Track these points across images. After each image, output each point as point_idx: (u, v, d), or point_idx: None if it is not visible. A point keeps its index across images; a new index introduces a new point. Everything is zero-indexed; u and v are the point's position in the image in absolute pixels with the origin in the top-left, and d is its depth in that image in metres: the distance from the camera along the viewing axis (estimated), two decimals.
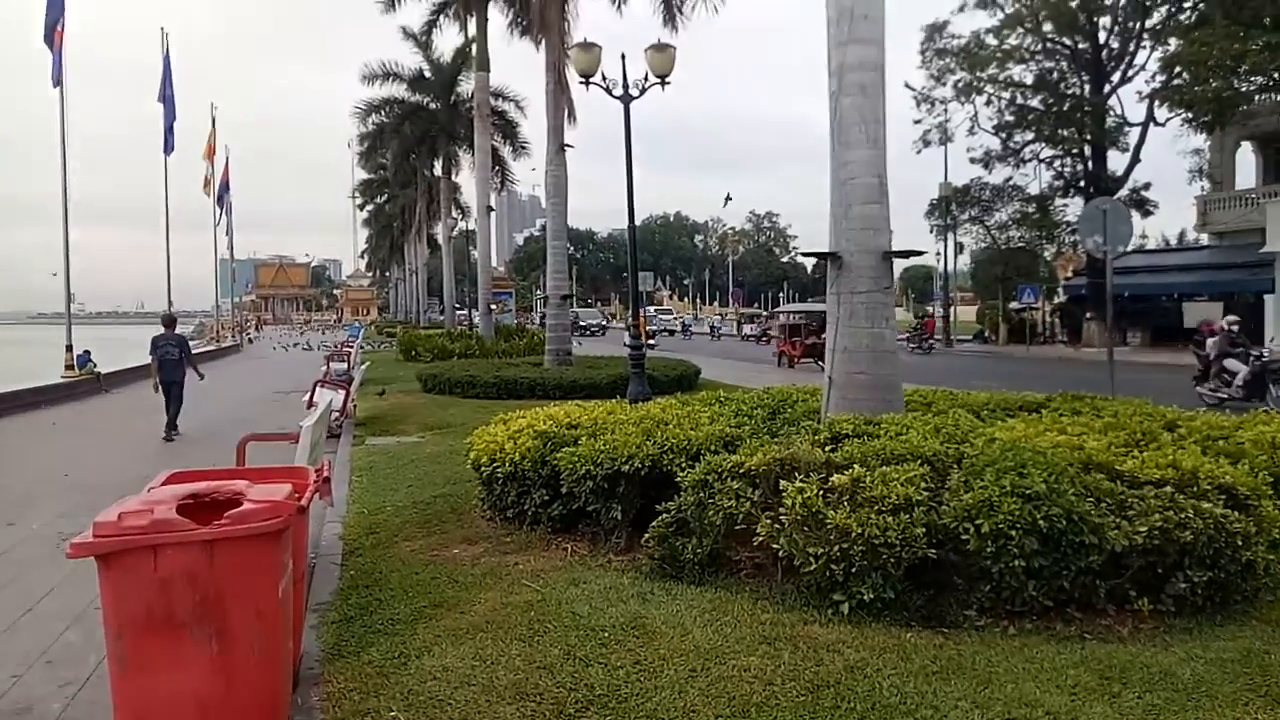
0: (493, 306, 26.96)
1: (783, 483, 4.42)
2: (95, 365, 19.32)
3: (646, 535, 4.91)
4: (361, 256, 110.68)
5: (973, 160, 35.76)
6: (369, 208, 72.83)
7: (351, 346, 24.52)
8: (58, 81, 17.36)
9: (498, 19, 25.93)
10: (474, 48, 32.17)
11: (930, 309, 47.33)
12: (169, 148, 28.37)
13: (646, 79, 11.51)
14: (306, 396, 11.93)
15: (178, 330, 13.40)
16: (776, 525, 4.34)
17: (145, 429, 13.30)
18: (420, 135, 36.00)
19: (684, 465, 5.16)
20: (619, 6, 18.24)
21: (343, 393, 11.42)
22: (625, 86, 11.44)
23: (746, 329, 47.95)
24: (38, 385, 17.31)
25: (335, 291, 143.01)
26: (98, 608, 5.41)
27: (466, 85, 34.87)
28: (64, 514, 7.48)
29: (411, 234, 55.16)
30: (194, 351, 14.30)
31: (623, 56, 11.51)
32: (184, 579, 3.07)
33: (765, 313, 58.70)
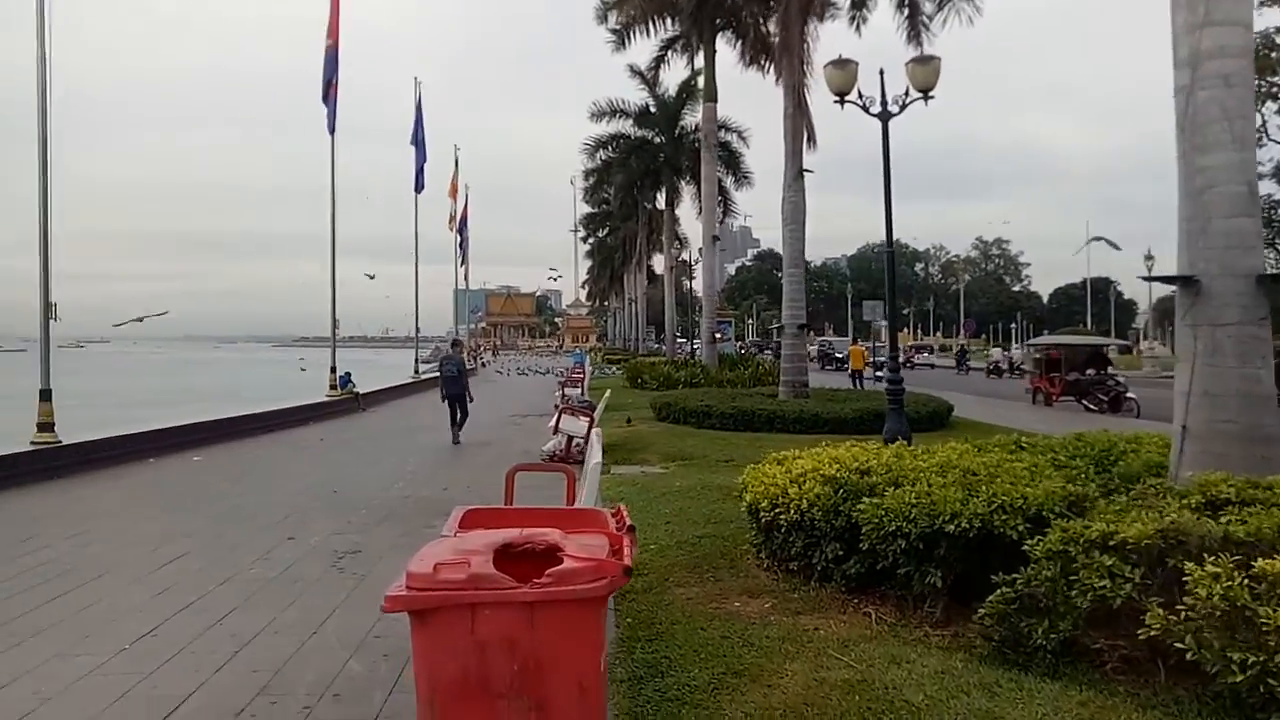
0: (716, 335, 26.67)
1: (1187, 564, 3.49)
2: (355, 386, 20.81)
3: (981, 612, 4.10)
4: (582, 286, 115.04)
5: (1261, 175, 31.40)
6: (590, 240, 75.58)
7: (581, 373, 25.04)
8: (332, 130, 19.01)
9: (724, 51, 25.93)
10: (699, 80, 32.49)
11: None
12: (419, 186, 30.54)
13: (907, 94, 10.66)
14: (551, 422, 11.96)
15: (461, 354, 16.33)
16: (1176, 618, 3.42)
17: (400, 448, 13.94)
18: (644, 169, 36.68)
19: (1022, 529, 4.32)
20: (857, 26, 17.44)
21: (585, 420, 11.31)
22: (884, 103, 10.65)
23: (994, 354, 43.56)
24: (307, 404, 18.80)
25: (556, 320, 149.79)
26: (377, 636, 5.33)
27: (690, 118, 35.25)
28: (337, 531, 7.68)
29: (631, 265, 56.47)
30: (431, 375, 16.88)
31: (881, 72, 10.75)
32: (503, 643, 2.67)
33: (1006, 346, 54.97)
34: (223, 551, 6.90)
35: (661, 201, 43.70)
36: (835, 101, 10.53)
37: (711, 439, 12.83)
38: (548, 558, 2.94)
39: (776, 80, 25.05)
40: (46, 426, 10.78)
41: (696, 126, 34.99)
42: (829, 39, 53.51)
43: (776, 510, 5.51)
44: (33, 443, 10.60)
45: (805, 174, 15.54)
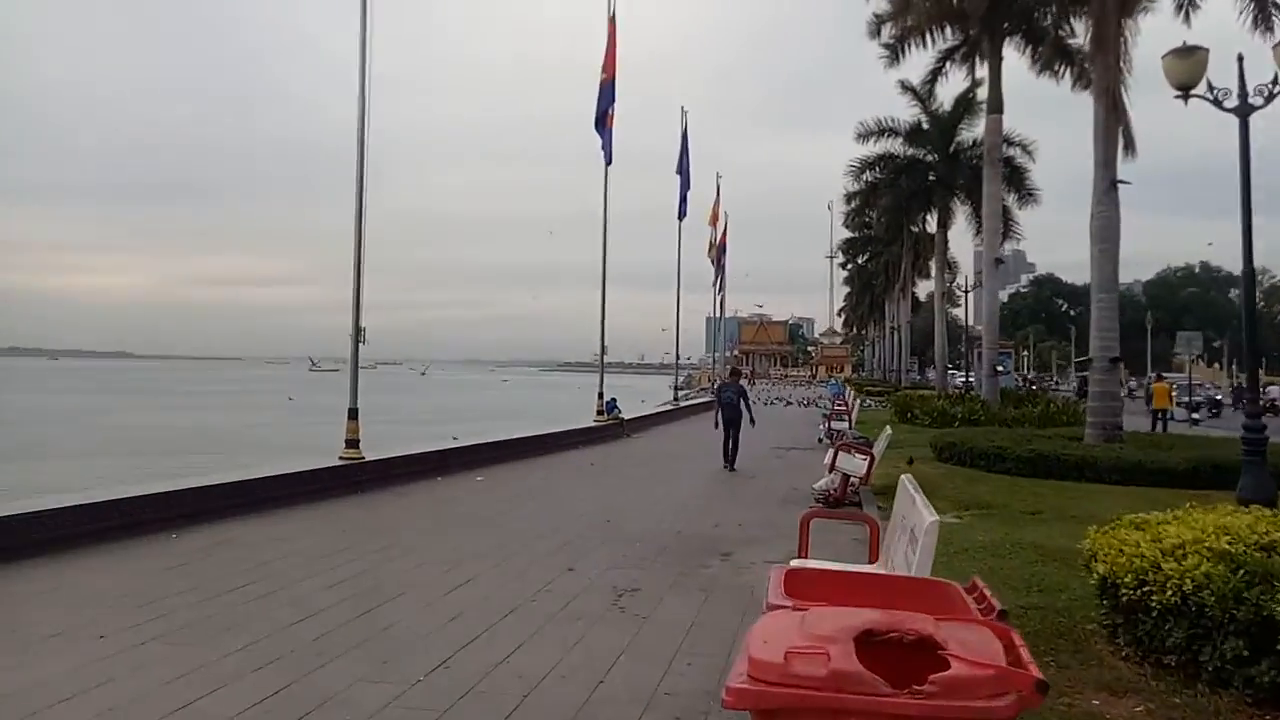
0: (998, 368, 24.47)
1: None
2: (620, 412, 21.19)
3: None
4: (838, 314, 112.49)
5: None
6: (849, 266, 73.58)
7: (845, 405, 23.93)
8: (609, 160, 19.61)
9: (1011, 58, 23.96)
10: (978, 92, 30.41)
11: None
12: (682, 214, 30.94)
13: (1275, 83, 8.88)
14: (828, 458, 11.20)
15: (740, 381, 16.43)
16: None
17: (667, 476, 13.80)
18: (914, 189, 34.87)
19: None
20: (1186, 14, 15.18)
21: (864, 459, 10.45)
22: (1244, 94, 8.93)
23: None
24: (577, 428, 19.34)
25: (809, 349, 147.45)
26: (667, 694, 4.89)
27: (967, 133, 33.11)
28: (614, 565, 7.44)
29: (895, 291, 54.09)
30: (689, 402, 16.92)
31: (1240, 58, 9.03)
32: None
33: None
34: (508, 579, 6.86)
35: (930, 224, 41.47)
36: (1177, 96, 8.99)
37: (1009, 486, 11.45)
38: (918, 651, 2.30)
39: (1074, 85, 22.85)
40: (353, 443, 11.66)
41: (974, 142, 32.79)
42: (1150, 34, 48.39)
43: (1145, 589, 4.46)
44: (341, 458, 11.49)
45: (1120, 185, 13.64)
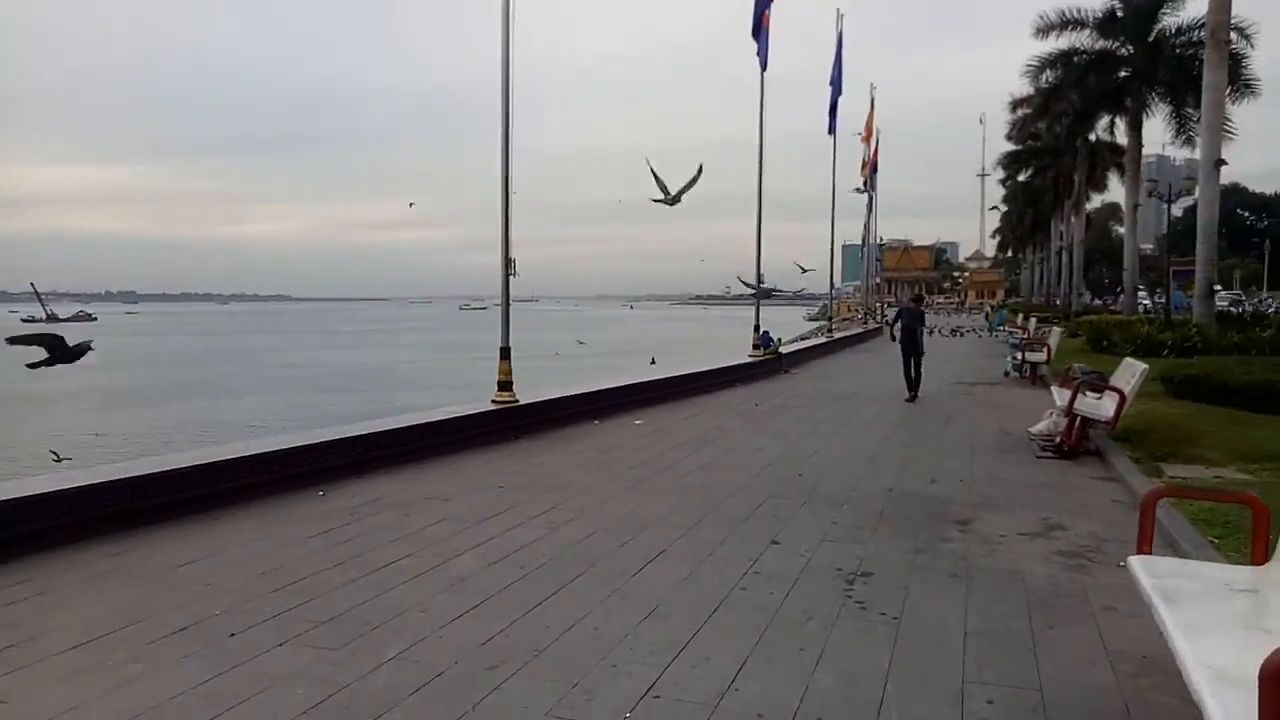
0: (1216, 287, 21.28)
1: None
2: (778, 345, 19.63)
3: None
4: (993, 237, 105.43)
5: None
6: (1008, 183, 68.05)
7: (1025, 333, 21.44)
8: (764, 65, 17.73)
9: None
10: None
11: None
12: (832, 128, 28.55)
13: None
14: (1059, 399, 9.37)
15: (920, 307, 15.78)
16: None
17: (844, 417, 12.27)
18: (1103, 89, 30.81)
19: None
20: None
21: (1113, 399, 8.58)
22: None
23: None
24: (732, 364, 17.94)
25: (956, 274, 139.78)
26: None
27: (1169, 19, 28.83)
28: (826, 535, 6.07)
29: (1066, 207, 49.31)
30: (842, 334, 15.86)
31: None
32: None
33: None
34: (702, 554, 5.61)
35: (1110, 132, 37.06)
36: None
37: None
38: None
39: None
40: (505, 385, 10.70)
41: (1178, 29, 28.59)
42: None
43: None
44: (493, 401, 10.57)
45: None
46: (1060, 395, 9.65)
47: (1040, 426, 9.99)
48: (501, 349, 10.90)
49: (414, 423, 9.17)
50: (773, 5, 17.44)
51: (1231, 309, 32.87)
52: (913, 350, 14.56)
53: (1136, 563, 3.58)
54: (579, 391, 12.28)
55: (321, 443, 8.03)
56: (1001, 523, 6.41)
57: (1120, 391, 8.50)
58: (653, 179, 16.87)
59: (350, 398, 30.90)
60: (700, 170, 16.92)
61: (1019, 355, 17.35)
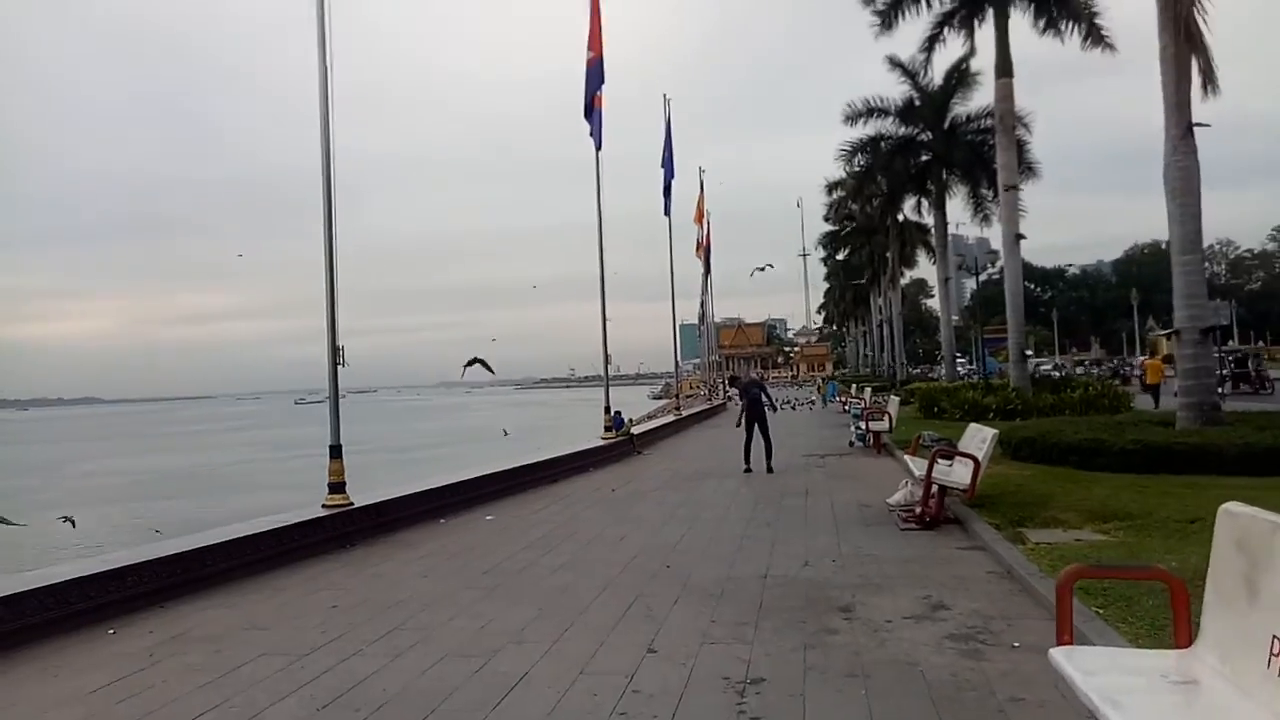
0: (1027, 352, 22.79)
1: None
2: (630, 426, 19.25)
3: None
4: (818, 312, 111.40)
5: None
6: (828, 261, 72.17)
7: (861, 402, 22.13)
8: (599, 145, 17.74)
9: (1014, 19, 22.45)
10: (972, 62, 29.01)
11: None
12: (668, 209, 29.14)
13: None
14: (915, 468, 9.35)
15: (758, 378, 17.05)
16: None
17: (704, 499, 11.86)
18: (908, 172, 33.21)
19: None
20: None
21: (968, 465, 8.60)
22: None
23: None
24: (585, 448, 17.37)
25: (787, 349, 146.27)
26: None
27: (960, 108, 31.59)
28: (706, 636, 5.50)
29: (884, 282, 52.56)
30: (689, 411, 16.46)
31: None
32: None
33: None
34: (569, 673, 4.92)
35: (920, 211, 39.99)
36: None
37: (1130, 487, 9.64)
38: None
39: (1084, 42, 21.41)
40: (338, 487, 9.65)
41: (968, 117, 31.32)
42: None
43: None
44: (324, 506, 9.48)
45: (1196, 130, 11.95)
46: (916, 465, 9.66)
47: (898, 497, 9.96)
48: (331, 446, 9.87)
49: (228, 537, 7.97)
50: (603, 87, 17.57)
51: (1053, 373, 35.46)
52: (761, 419, 14.91)
53: (1061, 656, 3.23)
54: (420, 489, 11.30)
55: (113, 570, 6.76)
56: (884, 605, 6.07)
57: (974, 458, 8.54)
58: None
59: (164, 505, 27.96)
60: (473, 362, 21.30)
61: (863, 425, 17.72)
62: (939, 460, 8.87)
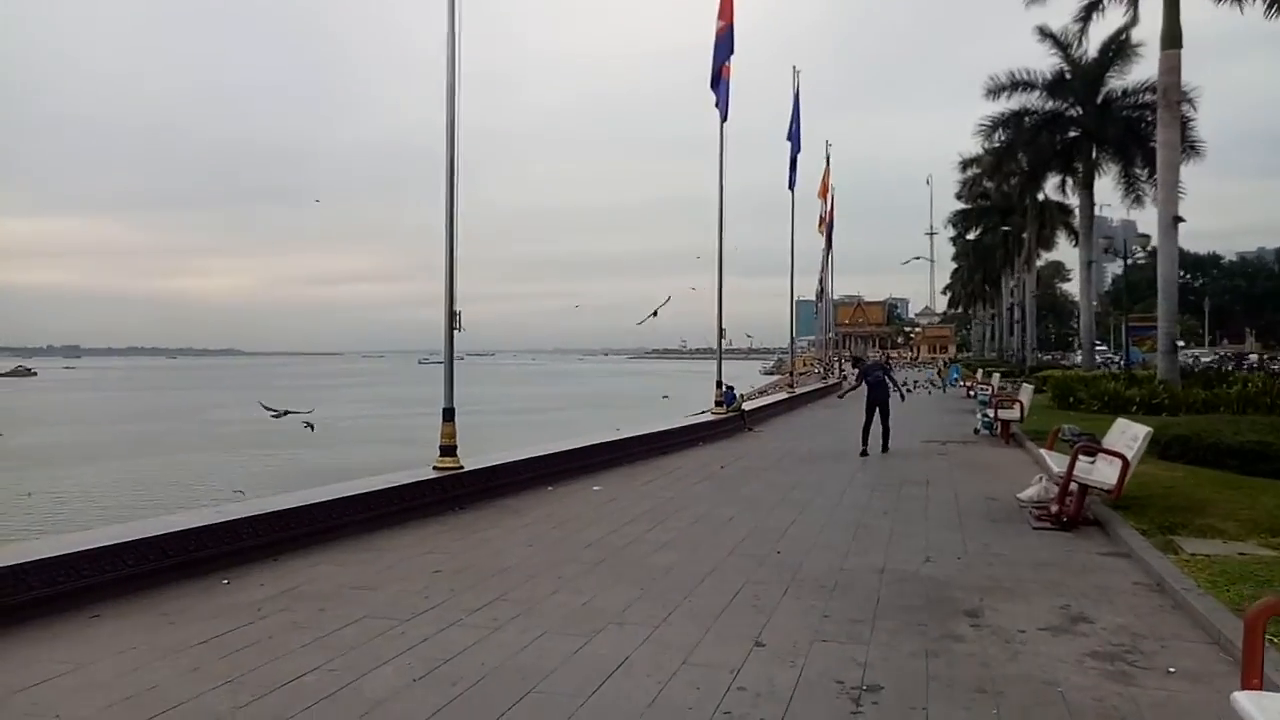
0: (1178, 343, 21.09)
1: None
2: (741, 402, 18.85)
3: None
4: (944, 293, 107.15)
5: None
6: (958, 241, 69.16)
7: (991, 389, 20.97)
8: (724, 116, 17.25)
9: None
10: (1131, 33, 26.85)
11: None
12: (792, 182, 28.33)
13: None
14: (1058, 467, 8.63)
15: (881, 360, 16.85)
16: None
17: (817, 481, 11.39)
18: (1053, 149, 31.14)
19: None
20: None
21: (1115, 464, 7.86)
22: None
23: None
24: (694, 423, 17.10)
25: (907, 329, 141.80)
26: None
27: (1116, 82, 29.33)
28: (818, 633, 5.15)
29: (1018, 264, 49.87)
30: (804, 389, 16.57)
31: None
32: None
33: None
34: (672, 662, 4.66)
35: (1064, 190, 37.56)
36: None
37: None
38: None
39: (1268, 11, 19.39)
40: (449, 450, 9.69)
41: (1124, 91, 29.08)
42: None
43: None
44: (434, 468, 9.54)
45: None
46: (1055, 460, 8.94)
47: (1030, 492, 9.26)
48: (445, 409, 9.91)
49: (340, 495, 8.09)
50: (732, 57, 17.04)
51: (1213, 365, 32.71)
52: (882, 403, 14.59)
53: (1249, 703, 2.74)
54: (530, 455, 11.29)
55: (229, 521, 6.94)
56: (1017, 613, 5.56)
57: (1123, 457, 7.79)
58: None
59: (286, 456, 29.37)
60: (668, 299, 21.95)
61: (990, 413, 16.75)
62: (1081, 456, 8.14)
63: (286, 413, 32.38)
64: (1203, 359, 46.71)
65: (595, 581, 6.35)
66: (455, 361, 10.23)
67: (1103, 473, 8.02)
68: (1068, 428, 10.50)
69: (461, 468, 9.70)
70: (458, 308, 10.08)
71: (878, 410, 14.54)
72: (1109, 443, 8.57)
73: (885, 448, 14.33)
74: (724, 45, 16.89)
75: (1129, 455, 7.79)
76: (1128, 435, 8.27)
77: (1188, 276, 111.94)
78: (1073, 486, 8.16)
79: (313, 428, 29.80)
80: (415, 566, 6.81)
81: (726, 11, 16.88)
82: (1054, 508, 8.45)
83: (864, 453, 14.10)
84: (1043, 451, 9.67)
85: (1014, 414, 15.90)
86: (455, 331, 10.17)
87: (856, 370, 16.72)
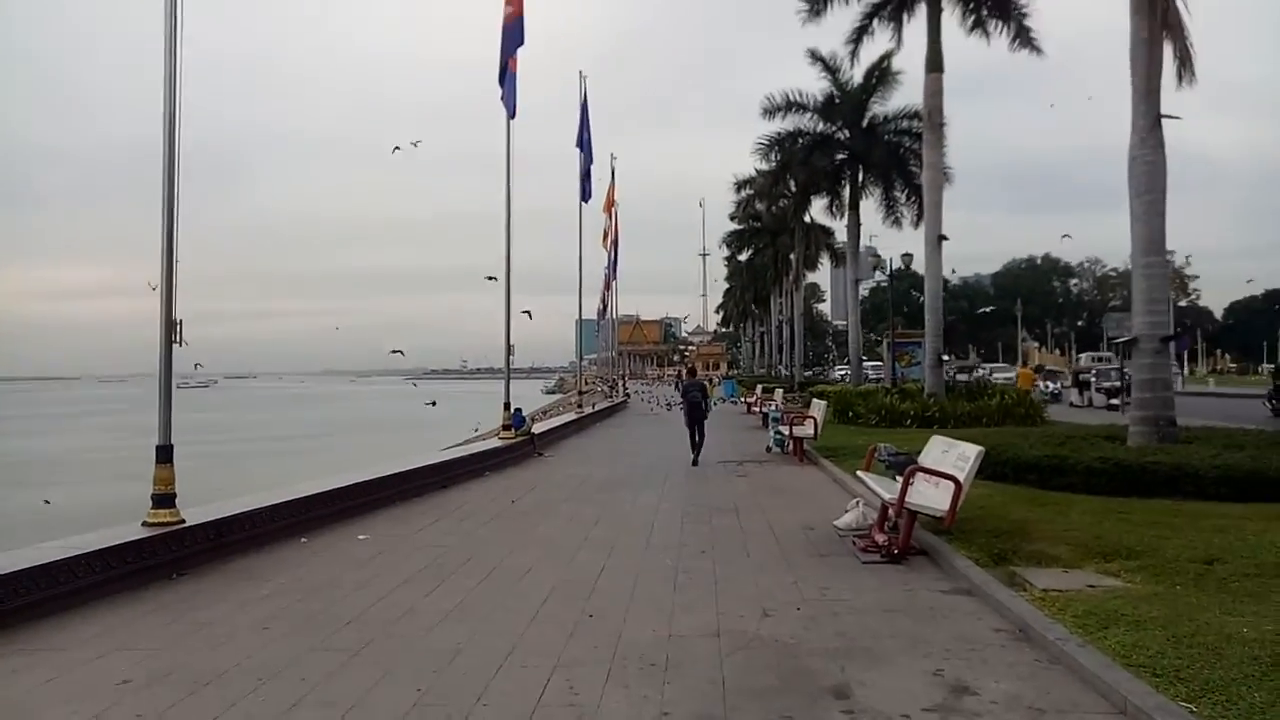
0: (944, 357, 22.11)
1: None
2: (530, 426, 17.45)
3: None
4: (716, 312, 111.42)
5: None
6: (730, 261, 71.80)
7: (779, 406, 20.95)
8: (512, 113, 15.88)
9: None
10: (892, 61, 28.41)
11: None
12: (585, 195, 27.52)
13: None
14: (887, 493, 7.95)
15: (699, 379, 17.75)
16: None
17: (621, 514, 10.18)
18: (824, 170, 32.45)
19: None
20: None
21: (948, 488, 7.25)
22: None
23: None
24: (480, 450, 15.50)
25: (682, 348, 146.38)
26: None
27: (878, 107, 31.00)
28: None
29: (787, 283, 52.11)
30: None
31: None
32: None
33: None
34: None
35: (825, 213, 39.44)
36: None
37: (1107, 513, 8.54)
38: None
39: (1012, 43, 20.84)
40: (164, 500, 7.55)
41: (886, 117, 30.78)
42: None
43: None
44: (145, 524, 7.39)
45: (1164, 122, 11.06)
46: (880, 484, 8.29)
47: (847, 519, 8.59)
48: (159, 447, 7.75)
49: (7, 570, 5.84)
50: (519, 51, 15.71)
51: (956, 376, 35.05)
52: (698, 420, 15.99)
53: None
54: (277, 500, 9.20)
55: None
56: (889, 688, 4.57)
57: (955, 480, 7.20)
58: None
59: None
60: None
61: (784, 429, 16.44)
62: (925, 478, 7.50)
63: None
64: (959, 377, 50.49)
65: (353, 683, 4.71)
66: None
67: (931, 497, 7.42)
68: (884, 447, 10.00)
69: (183, 522, 7.59)
70: (177, 316, 7.95)
71: (696, 426, 15.91)
72: (933, 463, 8.02)
73: (695, 461, 15.29)
74: (513, 34, 15.54)
75: (960, 477, 7.21)
76: (954, 455, 7.75)
77: (922, 298, 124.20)
78: (900, 512, 7.48)
79: None
80: (93, 677, 4.84)
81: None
82: (880, 537, 7.77)
83: (695, 462, 15.24)
84: (861, 474, 9.05)
85: (808, 431, 15.64)
86: (175, 346, 8.02)
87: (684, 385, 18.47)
